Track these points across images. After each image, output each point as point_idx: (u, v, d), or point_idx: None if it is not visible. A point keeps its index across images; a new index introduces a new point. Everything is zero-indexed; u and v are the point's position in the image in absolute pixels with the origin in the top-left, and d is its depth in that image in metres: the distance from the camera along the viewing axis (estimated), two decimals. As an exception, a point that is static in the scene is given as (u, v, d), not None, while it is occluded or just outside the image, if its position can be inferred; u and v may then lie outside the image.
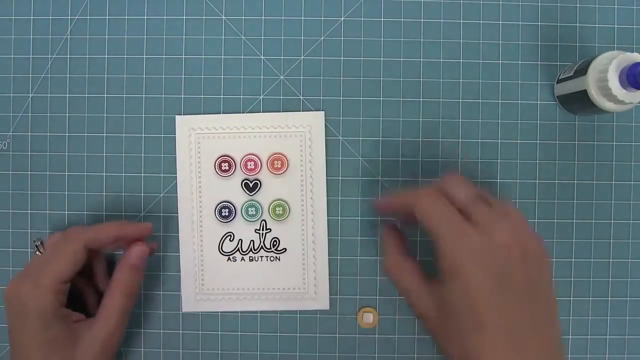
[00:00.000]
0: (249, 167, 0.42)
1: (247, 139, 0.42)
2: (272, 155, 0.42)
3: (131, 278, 0.38)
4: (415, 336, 0.42)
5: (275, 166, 0.42)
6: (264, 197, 0.42)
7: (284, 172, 0.42)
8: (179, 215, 0.42)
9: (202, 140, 0.42)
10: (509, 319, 0.31)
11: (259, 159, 0.42)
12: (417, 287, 0.34)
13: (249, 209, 0.42)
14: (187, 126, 0.42)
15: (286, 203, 0.42)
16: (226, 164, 0.42)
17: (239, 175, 0.42)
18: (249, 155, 0.42)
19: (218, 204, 0.42)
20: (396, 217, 0.41)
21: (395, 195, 0.37)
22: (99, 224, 0.38)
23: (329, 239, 0.42)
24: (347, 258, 0.42)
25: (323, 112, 0.42)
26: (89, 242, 0.36)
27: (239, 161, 0.42)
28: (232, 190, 0.42)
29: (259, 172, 0.42)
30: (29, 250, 0.42)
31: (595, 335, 0.42)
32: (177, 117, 0.42)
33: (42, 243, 0.38)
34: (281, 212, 0.42)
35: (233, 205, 0.42)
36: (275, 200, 0.42)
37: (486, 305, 0.31)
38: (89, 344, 0.36)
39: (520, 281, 0.31)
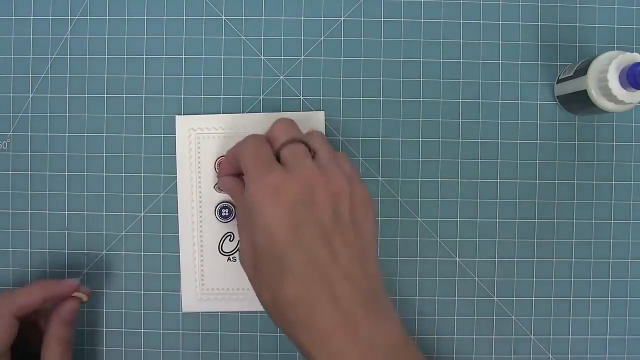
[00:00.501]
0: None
1: (247, 139, 0.42)
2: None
3: (65, 332, 0.37)
4: (416, 336, 0.42)
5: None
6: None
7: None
8: (179, 215, 0.42)
9: (202, 140, 0.42)
10: (315, 256, 0.30)
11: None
12: (238, 195, 0.35)
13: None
14: (187, 126, 0.42)
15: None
16: (226, 164, 0.42)
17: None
18: (249, 155, 0.42)
19: (218, 204, 0.42)
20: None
21: (228, 152, 0.37)
22: (23, 289, 0.37)
23: (329, 239, 0.42)
24: (347, 258, 0.42)
25: (323, 112, 0.42)
26: (18, 311, 0.36)
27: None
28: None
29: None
30: (29, 250, 0.42)
31: (595, 335, 0.42)
32: (177, 117, 0.42)
33: None
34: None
35: (233, 205, 0.42)
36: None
37: (284, 239, 0.30)
38: None
39: (327, 216, 0.31)
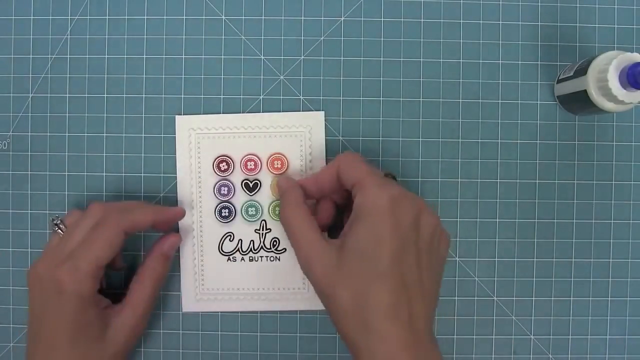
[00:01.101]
0: (249, 167, 0.42)
1: (247, 139, 0.42)
2: (272, 155, 0.42)
3: (162, 266, 0.39)
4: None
5: (275, 166, 0.42)
6: (264, 197, 0.42)
7: (284, 172, 0.42)
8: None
9: (202, 141, 0.42)
10: (406, 272, 0.32)
11: (259, 158, 0.42)
12: (318, 238, 0.34)
13: (249, 209, 0.42)
14: (187, 126, 0.42)
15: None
16: (224, 164, 0.42)
17: (238, 175, 0.42)
18: (249, 155, 0.42)
19: (218, 205, 0.42)
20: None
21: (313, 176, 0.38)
22: (133, 207, 0.37)
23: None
24: (347, 258, 0.42)
25: (323, 112, 0.42)
26: (128, 228, 0.36)
27: (239, 161, 0.42)
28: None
29: (259, 172, 0.42)
30: (29, 250, 0.42)
31: (595, 335, 0.42)
32: (177, 117, 0.42)
33: (62, 221, 0.37)
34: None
35: (233, 206, 0.42)
36: (276, 201, 0.42)
37: (391, 252, 0.32)
38: (119, 329, 0.36)
39: (425, 240, 0.33)
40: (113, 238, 0.35)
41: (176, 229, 0.42)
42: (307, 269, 0.34)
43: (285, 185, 0.38)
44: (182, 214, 0.40)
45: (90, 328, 0.35)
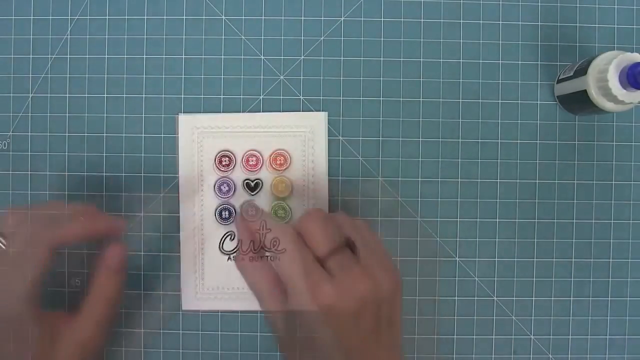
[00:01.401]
0: (250, 163, 0.42)
1: (249, 138, 0.42)
2: (274, 152, 0.42)
3: (111, 282, 0.36)
4: (416, 336, 0.42)
5: (278, 162, 0.42)
6: (265, 198, 0.42)
7: (286, 168, 0.42)
8: (180, 213, 0.42)
9: (204, 139, 0.42)
10: (352, 356, 0.31)
11: (261, 155, 0.42)
12: (270, 296, 0.34)
13: (249, 210, 0.42)
14: (189, 125, 0.42)
15: (288, 205, 0.42)
16: (226, 159, 0.42)
17: (239, 173, 0.42)
18: (251, 152, 0.42)
19: (218, 206, 0.42)
20: None
21: (255, 232, 0.35)
22: (63, 219, 0.35)
23: (329, 239, 0.42)
24: (347, 258, 0.42)
25: (326, 113, 0.42)
26: (55, 244, 0.35)
27: (241, 157, 0.42)
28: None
29: (260, 168, 0.42)
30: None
31: (595, 335, 0.42)
32: (180, 115, 0.42)
33: (1, 233, 0.35)
34: (283, 215, 0.42)
35: (233, 207, 0.42)
36: (277, 202, 0.42)
37: (329, 351, 0.31)
38: (68, 343, 0.34)
39: (369, 327, 0.32)
40: (39, 259, 0.34)
41: (176, 230, 0.42)
42: (265, 319, 0.35)
43: (239, 228, 0.37)
44: (120, 230, 0.38)
45: (40, 343, 0.34)
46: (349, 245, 0.34)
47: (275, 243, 0.40)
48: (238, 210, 0.42)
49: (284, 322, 0.33)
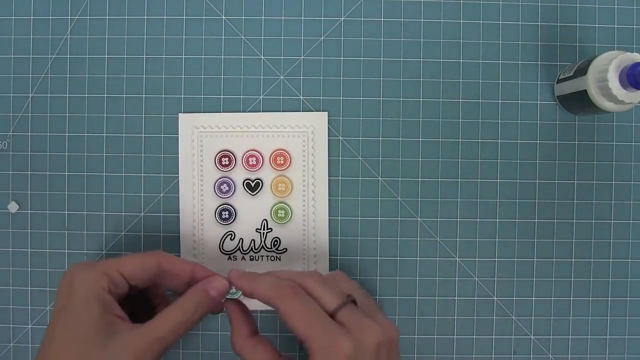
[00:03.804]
0: (250, 162, 0.42)
1: (249, 137, 0.42)
2: (275, 151, 0.42)
3: (197, 301, 0.35)
4: (416, 336, 0.42)
5: (278, 162, 0.42)
6: (266, 198, 0.42)
7: (287, 168, 0.42)
8: (180, 213, 0.42)
9: (204, 139, 0.42)
10: None
11: (261, 155, 0.42)
12: None
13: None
14: (190, 124, 0.42)
15: (288, 205, 0.42)
16: (226, 159, 0.42)
17: (240, 172, 0.42)
18: (251, 151, 0.42)
19: (218, 207, 0.42)
20: None
21: (254, 283, 0.34)
22: (178, 258, 0.36)
23: (329, 239, 0.42)
24: (348, 258, 0.42)
25: (326, 113, 0.42)
26: (166, 262, 0.35)
27: (241, 157, 0.42)
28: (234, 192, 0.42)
29: (260, 167, 0.42)
30: (29, 250, 0.42)
31: (595, 335, 0.42)
32: (180, 115, 0.42)
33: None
34: (283, 215, 0.42)
35: (234, 208, 0.42)
36: (279, 203, 0.42)
37: None
38: (126, 344, 0.32)
39: None
40: (146, 259, 0.35)
41: (176, 230, 0.42)
42: None
43: (232, 313, 0.36)
44: (225, 288, 0.36)
45: (93, 328, 0.32)
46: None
47: (276, 243, 0.40)
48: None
49: None
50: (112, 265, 0.34)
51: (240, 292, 0.36)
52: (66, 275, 0.34)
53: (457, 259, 0.42)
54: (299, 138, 0.42)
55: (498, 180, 0.42)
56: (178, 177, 0.42)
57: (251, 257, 0.42)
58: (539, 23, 0.43)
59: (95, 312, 0.32)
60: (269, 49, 0.42)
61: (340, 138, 0.42)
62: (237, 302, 0.36)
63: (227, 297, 0.37)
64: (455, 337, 0.42)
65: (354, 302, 0.34)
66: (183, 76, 0.42)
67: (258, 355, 0.34)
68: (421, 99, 0.42)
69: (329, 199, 0.42)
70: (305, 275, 0.35)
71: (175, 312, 0.34)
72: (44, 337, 0.33)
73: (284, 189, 0.42)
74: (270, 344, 0.35)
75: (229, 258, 0.42)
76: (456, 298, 0.42)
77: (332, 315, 0.33)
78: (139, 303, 0.37)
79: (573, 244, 0.42)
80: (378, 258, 0.42)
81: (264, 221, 0.42)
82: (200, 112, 0.42)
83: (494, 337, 0.42)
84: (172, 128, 0.42)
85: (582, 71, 0.37)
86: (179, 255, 0.42)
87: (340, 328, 0.32)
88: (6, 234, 0.42)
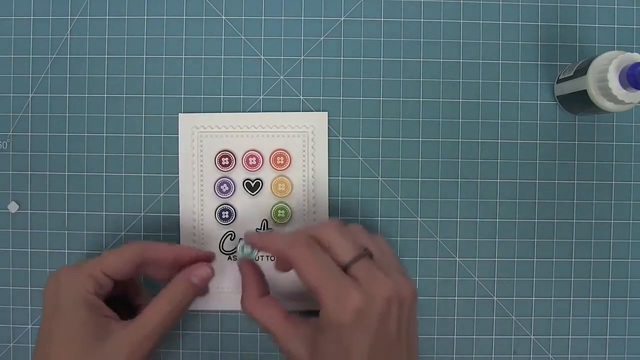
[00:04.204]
0: (250, 162, 0.42)
1: (249, 137, 0.42)
2: (275, 151, 0.42)
3: (182, 291, 0.36)
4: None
5: (278, 162, 0.42)
6: (266, 198, 0.42)
7: (287, 168, 0.42)
8: (180, 213, 0.42)
9: (204, 139, 0.42)
10: None
11: (261, 155, 0.42)
12: (284, 329, 0.34)
13: (244, 247, 0.41)
14: (190, 124, 0.42)
15: (288, 205, 0.42)
16: (226, 159, 0.42)
17: (240, 172, 0.42)
18: (251, 151, 0.42)
19: (218, 207, 0.42)
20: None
21: (268, 238, 0.35)
22: (164, 243, 0.37)
23: (329, 239, 0.42)
24: (347, 258, 0.42)
25: (326, 113, 0.42)
26: (148, 252, 0.35)
27: (241, 157, 0.42)
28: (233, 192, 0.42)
29: (260, 167, 0.42)
30: (29, 250, 0.42)
31: (595, 335, 0.42)
32: (180, 115, 0.42)
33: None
34: (283, 215, 0.42)
35: (234, 208, 0.42)
36: (279, 203, 0.42)
37: (360, 358, 0.31)
38: (121, 342, 0.33)
39: (394, 329, 0.32)
40: (127, 252, 0.35)
41: (176, 230, 0.42)
42: (285, 357, 0.35)
43: (245, 273, 0.37)
44: (211, 258, 0.39)
45: (85, 331, 0.33)
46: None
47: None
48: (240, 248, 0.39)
49: (308, 348, 0.33)
50: (96, 266, 0.34)
51: (255, 252, 0.38)
52: (51, 281, 0.34)
53: (457, 259, 0.42)
54: (299, 138, 0.42)
55: (498, 180, 0.42)
56: (178, 177, 0.42)
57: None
58: (539, 23, 0.43)
59: (85, 315, 0.33)
60: (269, 49, 0.42)
61: (340, 138, 0.42)
62: (251, 262, 0.38)
63: (242, 257, 0.38)
64: (455, 337, 0.42)
65: (371, 255, 0.34)
66: (183, 76, 0.42)
67: (265, 316, 0.35)
68: (421, 99, 0.42)
69: (329, 199, 0.42)
70: (323, 226, 0.34)
71: (162, 303, 0.35)
72: (37, 345, 0.34)
73: (284, 189, 0.42)
74: (280, 306, 0.35)
75: (229, 258, 0.42)
76: (456, 298, 0.42)
77: (346, 268, 0.33)
78: (121, 303, 0.37)
79: (573, 244, 0.42)
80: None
81: (264, 221, 0.42)
82: (200, 112, 0.42)
83: (494, 337, 0.42)
84: (172, 128, 0.42)
85: (582, 71, 0.37)
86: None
87: (352, 281, 0.32)
88: (6, 234, 0.42)
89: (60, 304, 0.33)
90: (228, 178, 0.42)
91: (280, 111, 0.42)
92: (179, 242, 0.42)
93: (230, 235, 0.42)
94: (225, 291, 0.42)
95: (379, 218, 0.42)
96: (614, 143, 0.42)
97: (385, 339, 0.32)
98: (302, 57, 0.42)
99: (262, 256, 0.42)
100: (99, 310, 0.34)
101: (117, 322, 0.34)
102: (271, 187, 0.42)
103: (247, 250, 0.38)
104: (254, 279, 0.37)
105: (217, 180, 0.42)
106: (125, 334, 0.33)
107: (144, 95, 0.42)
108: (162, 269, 0.37)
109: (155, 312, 0.35)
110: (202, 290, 0.37)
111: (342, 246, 0.33)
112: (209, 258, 0.38)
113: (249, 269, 0.37)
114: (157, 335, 0.34)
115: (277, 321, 0.35)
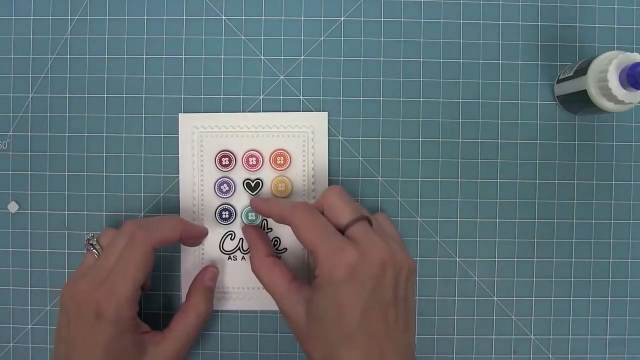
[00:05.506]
0: (250, 162, 0.42)
1: (249, 137, 0.42)
2: (275, 151, 0.42)
3: (205, 300, 0.39)
4: (416, 336, 0.42)
5: (278, 162, 0.42)
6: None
7: (287, 168, 0.42)
8: (180, 213, 0.42)
9: (204, 139, 0.42)
10: (373, 328, 0.32)
11: (261, 155, 0.42)
12: (287, 291, 0.35)
13: (249, 214, 0.42)
14: (190, 124, 0.42)
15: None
16: (226, 159, 0.42)
17: (240, 172, 0.42)
18: (251, 151, 0.42)
19: (218, 207, 0.42)
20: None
21: (272, 202, 0.38)
22: (162, 223, 0.37)
23: (329, 239, 0.42)
24: (347, 258, 0.42)
25: (326, 113, 0.42)
26: (156, 244, 0.36)
27: (241, 157, 0.42)
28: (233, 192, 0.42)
29: (260, 167, 0.42)
30: (29, 250, 0.42)
31: (595, 335, 0.42)
32: (180, 115, 0.42)
33: (97, 241, 0.37)
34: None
35: (233, 207, 0.42)
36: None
37: (355, 317, 0.32)
38: (157, 357, 0.36)
39: (389, 294, 0.33)
40: (145, 256, 0.35)
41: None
42: (285, 319, 0.36)
43: (251, 236, 0.40)
44: (206, 233, 0.41)
45: (125, 354, 0.34)
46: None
47: (276, 243, 0.41)
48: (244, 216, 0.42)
49: (307, 310, 0.34)
50: (129, 285, 0.34)
51: (259, 219, 0.41)
52: (84, 300, 0.34)
53: (457, 259, 0.42)
54: (299, 138, 0.42)
55: (498, 180, 0.42)
56: (178, 177, 0.42)
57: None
58: (539, 23, 0.43)
59: (129, 339, 0.35)
60: (269, 49, 0.42)
61: (340, 138, 0.42)
62: (255, 227, 0.41)
63: (246, 223, 0.41)
64: (455, 337, 0.42)
65: (370, 223, 0.35)
66: (183, 76, 0.42)
67: (273, 273, 0.37)
68: (421, 99, 0.42)
69: (329, 199, 0.42)
70: (325, 191, 0.36)
71: (188, 316, 0.38)
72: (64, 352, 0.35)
73: (284, 189, 0.42)
74: (285, 268, 0.37)
75: (229, 258, 0.42)
76: (456, 298, 0.42)
77: (344, 230, 0.34)
78: None
79: (573, 244, 0.42)
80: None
81: (264, 221, 0.42)
82: (200, 112, 0.42)
83: (494, 337, 0.42)
84: (172, 128, 0.42)
85: (582, 71, 0.37)
86: (179, 255, 0.42)
87: (347, 240, 0.33)
88: (6, 234, 0.42)
89: (100, 331, 0.33)
90: (228, 178, 0.42)
91: (280, 111, 0.42)
92: (179, 242, 0.42)
93: (230, 235, 0.42)
94: (226, 292, 0.42)
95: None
96: (614, 143, 0.42)
97: (380, 302, 0.32)
98: (302, 57, 0.42)
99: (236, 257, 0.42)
100: (138, 330, 0.36)
101: (151, 338, 0.36)
102: (271, 187, 0.42)
103: (252, 216, 0.41)
104: (260, 241, 0.39)
105: (217, 180, 0.42)
106: (159, 351, 0.36)
107: (144, 95, 0.42)
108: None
109: (185, 326, 0.38)
110: (213, 288, 0.41)
111: (341, 209, 0.35)
112: (206, 232, 0.41)
113: (255, 232, 0.40)
114: (188, 347, 0.38)
115: (280, 282, 0.36)
